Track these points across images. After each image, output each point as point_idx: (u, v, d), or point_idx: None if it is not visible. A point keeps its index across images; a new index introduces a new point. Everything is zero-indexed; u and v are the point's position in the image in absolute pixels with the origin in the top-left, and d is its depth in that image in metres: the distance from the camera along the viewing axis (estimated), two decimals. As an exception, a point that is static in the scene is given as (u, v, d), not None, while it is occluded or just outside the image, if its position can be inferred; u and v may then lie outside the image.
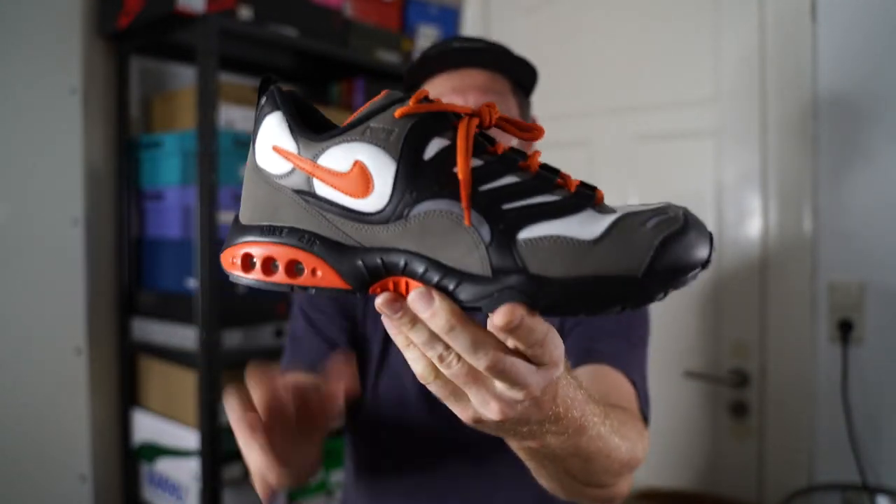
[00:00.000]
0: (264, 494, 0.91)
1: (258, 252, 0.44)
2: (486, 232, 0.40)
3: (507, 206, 0.41)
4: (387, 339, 0.96)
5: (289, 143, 0.44)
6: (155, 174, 1.66)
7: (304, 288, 0.43)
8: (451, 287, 0.40)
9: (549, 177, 0.44)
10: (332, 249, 0.42)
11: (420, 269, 0.41)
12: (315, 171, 0.43)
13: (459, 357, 0.40)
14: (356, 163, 0.42)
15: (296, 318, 1.01)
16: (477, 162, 0.42)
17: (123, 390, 1.71)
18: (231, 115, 1.57)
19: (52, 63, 1.55)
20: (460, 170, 0.40)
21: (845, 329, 1.52)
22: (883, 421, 1.50)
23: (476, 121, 0.43)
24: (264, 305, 1.60)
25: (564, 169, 0.47)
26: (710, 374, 1.71)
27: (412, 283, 0.42)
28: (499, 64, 0.89)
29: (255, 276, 0.44)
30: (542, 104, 2.02)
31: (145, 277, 1.72)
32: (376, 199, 0.42)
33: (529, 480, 0.87)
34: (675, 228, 0.40)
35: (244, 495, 1.60)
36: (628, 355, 0.89)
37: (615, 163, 1.91)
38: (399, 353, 0.91)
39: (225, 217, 1.54)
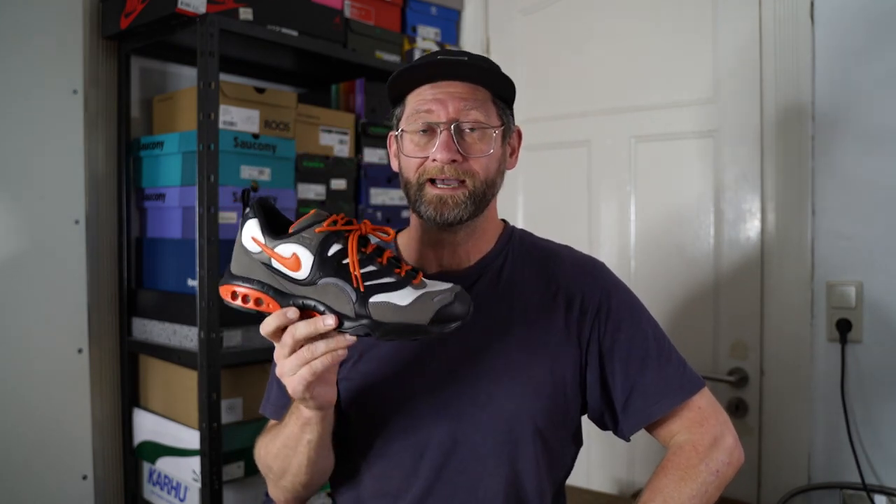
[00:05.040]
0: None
1: (241, 291, 0.82)
2: (354, 295, 0.78)
3: (367, 283, 0.78)
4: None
5: (260, 237, 0.81)
6: (155, 174, 1.67)
7: (260, 313, 0.82)
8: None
9: (391, 267, 0.80)
10: (277, 294, 0.81)
11: (321, 308, 0.79)
12: (272, 255, 0.80)
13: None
14: (293, 254, 0.79)
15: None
16: (356, 255, 0.79)
17: (124, 390, 1.72)
18: (231, 115, 1.57)
19: (54, 64, 1.56)
20: (350, 263, 0.78)
21: (843, 329, 1.53)
22: (881, 420, 1.50)
23: (356, 235, 0.80)
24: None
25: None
26: (710, 373, 1.71)
27: (317, 314, 0.79)
28: (478, 78, 0.95)
29: (238, 303, 0.83)
30: (542, 105, 2.03)
31: (146, 277, 1.72)
32: (303, 272, 0.79)
33: (506, 461, 0.94)
34: (447, 302, 0.77)
35: (244, 494, 1.60)
36: (667, 378, 0.98)
37: (615, 163, 1.91)
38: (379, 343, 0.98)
39: (225, 217, 1.55)
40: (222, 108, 1.53)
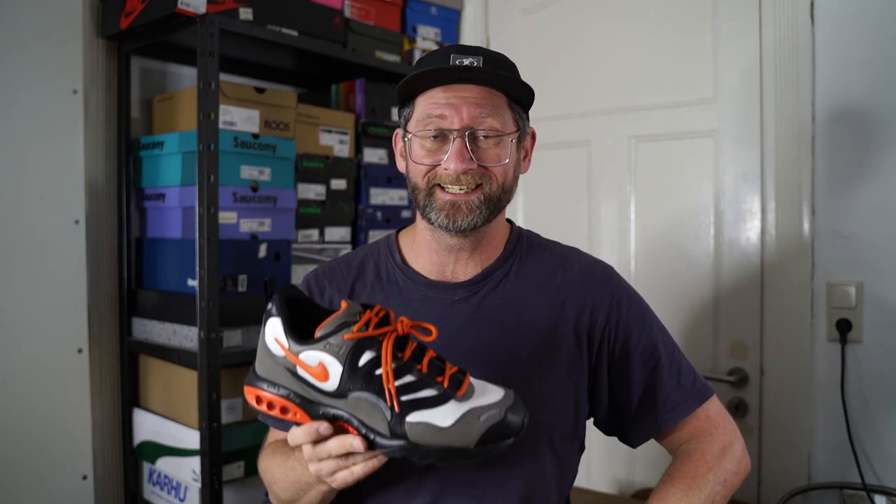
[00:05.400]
0: None
1: (266, 396, 0.75)
2: (389, 413, 0.69)
3: (403, 399, 0.69)
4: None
5: (283, 340, 0.73)
6: (155, 174, 1.66)
7: (283, 421, 0.76)
8: (370, 437, 0.71)
9: (433, 374, 0.71)
10: (305, 403, 0.73)
11: (355, 422, 0.72)
12: (297, 362, 0.72)
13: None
14: (320, 363, 0.71)
15: None
16: (391, 365, 0.70)
17: (124, 390, 1.72)
18: (231, 115, 1.57)
19: (54, 64, 1.56)
20: (384, 375, 0.69)
21: (843, 329, 1.53)
22: (881, 420, 1.50)
23: (392, 339, 0.71)
24: (264, 306, 1.60)
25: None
26: (710, 373, 1.71)
27: (351, 428, 0.72)
28: (494, 84, 0.90)
29: (263, 409, 0.75)
30: (542, 105, 2.01)
31: (146, 277, 1.72)
32: (331, 384, 0.71)
33: (515, 474, 0.91)
34: (496, 420, 0.69)
35: (244, 494, 1.60)
36: (677, 388, 0.97)
37: (615, 163, 1.91)
38: None
39: (225, 217, 1.55)
40: (222, 108, 1.53)
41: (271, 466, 0.94)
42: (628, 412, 0.97)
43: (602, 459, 1.88)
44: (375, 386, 0.69)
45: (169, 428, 1.60)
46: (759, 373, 1.67)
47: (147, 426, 1.68)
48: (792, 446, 1.61)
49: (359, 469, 0.75)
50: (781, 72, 1.63)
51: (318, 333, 0.71)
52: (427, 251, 0.98)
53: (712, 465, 0.92)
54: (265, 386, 0.74)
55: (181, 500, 1.59)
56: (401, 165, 0.99)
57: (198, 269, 1.46)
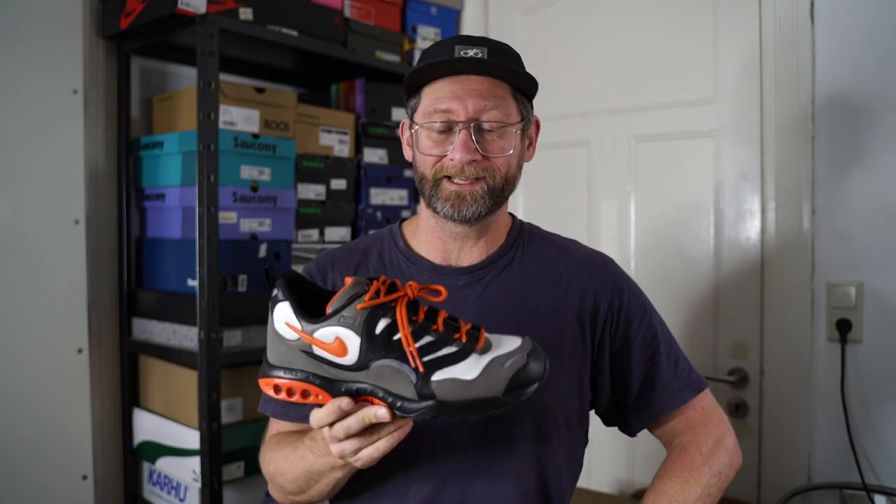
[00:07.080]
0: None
1: (284, 383, 0.73)
2: (414, 375, 0.70)
3: (425, 359, 0.69)
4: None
5: (295, 322, 0.72)
6: (155, 174, 1.66)
7: (304, 407, 0.75)
8: (397, 404, 0.71)
9: (450, 332, 0.71)
10: (325, 382, 0.73)
11: (380, 393, 0.71)
12: (312, 341, 0.71)
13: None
14: (337, 338, 0.70)
15: None
16: (409, 328, 0.70)
17: (124, 390, 1.72)
18: (231, 115, 1.57)
19: (55, 64, 1.56)
20: (403, 338, 0.70)
21: (843, 329, 1.53)
22: (881, 420, 1.50)
23: (404, 303, 0.71)
24: (264, 305, 1.60)
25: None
26: (710, 373, 1.71)
27: (376, 399, 0.72)
28: (498, 75, 0.91)
29: (283, 397, 0.74)
30: (542, 105, 2.01)
31: (146, 277, 1.72)
32: (351, 357, 0.71)
33: (529, 459, 0.92)
34: (521, 365, 0.69)
35: (244, 494, 1.60)
36: (675, 377, 0.99)
37: (615, 163, 1.91)
38: None
39: (225, 217, 1.55)
40: (222, 108, 1.53)
41: (276, 458, 0.93)
42: (628, 399, 0.99)
43: (602, 459, 1.87)
44: (396, 351, 0.69)
45: (169, 428, 1.60)
46: (759, 373, 1.67)
47: (147, 426, 1.68)
48: (792, 446, 1.61)
49: (384, 443, 0.74)
50: (781, 71, 1.62)
51: (329, 309, 0.71)
52: (431, 238, 0.99)
53: (707, 458, 0.95)
54: (281, 373, 0.73)
55: (181, 500, 1.59)
56: (407, 154, 1.00)
57: (198, 269, 1.46)
